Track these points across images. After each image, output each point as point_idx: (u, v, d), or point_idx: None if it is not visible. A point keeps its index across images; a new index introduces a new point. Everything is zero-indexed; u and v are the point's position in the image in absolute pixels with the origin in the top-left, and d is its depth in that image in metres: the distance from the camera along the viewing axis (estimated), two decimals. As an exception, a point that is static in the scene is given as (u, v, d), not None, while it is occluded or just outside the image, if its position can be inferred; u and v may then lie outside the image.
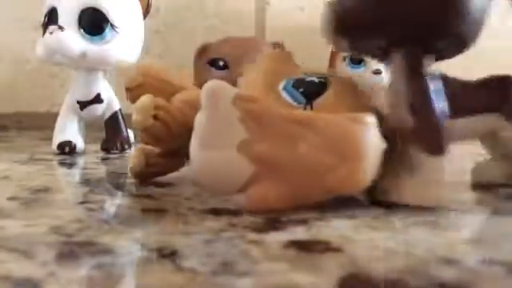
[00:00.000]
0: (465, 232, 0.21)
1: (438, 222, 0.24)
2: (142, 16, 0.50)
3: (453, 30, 0.26)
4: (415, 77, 0.26)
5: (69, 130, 0.49)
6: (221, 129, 0.23)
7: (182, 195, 0.29)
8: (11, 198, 0.27)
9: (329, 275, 0.16)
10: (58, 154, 0.47)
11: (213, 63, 0.71)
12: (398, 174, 0.26)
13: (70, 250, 0.18)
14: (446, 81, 0.28)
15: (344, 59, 0.72)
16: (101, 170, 0.40)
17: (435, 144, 0.26)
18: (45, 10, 0.47)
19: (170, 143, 0.30)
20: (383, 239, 0.20)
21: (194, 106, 0.25)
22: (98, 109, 0.50)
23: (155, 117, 0.27)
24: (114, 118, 0.51)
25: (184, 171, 0.32)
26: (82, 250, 0.18)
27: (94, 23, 0.45)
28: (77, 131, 0.50)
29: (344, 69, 0.73)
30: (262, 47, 0.72)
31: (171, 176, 0.33)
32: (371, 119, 0.24)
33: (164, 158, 0.31)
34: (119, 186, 0.32)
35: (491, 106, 0.29)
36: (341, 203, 0.26)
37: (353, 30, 0.26)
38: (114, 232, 0.21)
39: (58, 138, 0.49)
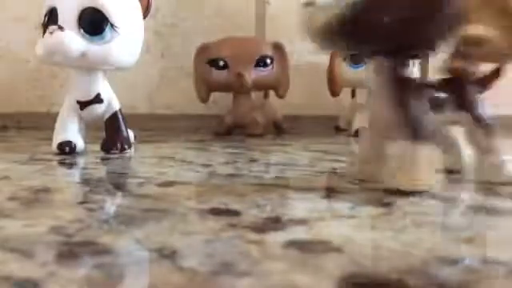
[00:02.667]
0: (465, 232, 0.21)
1: (437, 221, 0.24)
2: (142, 16, 0.50)
3: (431, 41, 0.29)
4: (399, 77, 0.30)
5: (69, 130, 0.49)
6: None
7: (182, 195, 0.29)
8: (11, 198, 0.27)
9: (329, 275, 0.16)
10: (58, 153, 0.47)
11: (213, 63, 0.71)
12: (391, 163, 0.30)
13: (70, 250, 0.18)
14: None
15: (344, 59, 0.72)
16: (101, 170, 0.40)
17: (422, 134, 0.29)
18: (45, 10, 0.47)
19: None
20: (383, 239, 0.20)
21: None
22: (98, 109, 0.50)
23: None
24: (114, 117, 0.50)
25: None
26: (81, 250, 0.18)
27: (94, 23, 0.45)
28: (77, 131, 0.50)
29: (344, 68, 0.73)
30: (262, 47, 0.72)
31: (171, 176, 0.32)
32: None
33: None
34: (119, 186, 0.32)
35: (454, 104, 0.34)
36: (340, 202, 0.26)
37: (347, 35, 0.28)
38: (114, 232, 0.21)
39: (58, 137, 0.49)
